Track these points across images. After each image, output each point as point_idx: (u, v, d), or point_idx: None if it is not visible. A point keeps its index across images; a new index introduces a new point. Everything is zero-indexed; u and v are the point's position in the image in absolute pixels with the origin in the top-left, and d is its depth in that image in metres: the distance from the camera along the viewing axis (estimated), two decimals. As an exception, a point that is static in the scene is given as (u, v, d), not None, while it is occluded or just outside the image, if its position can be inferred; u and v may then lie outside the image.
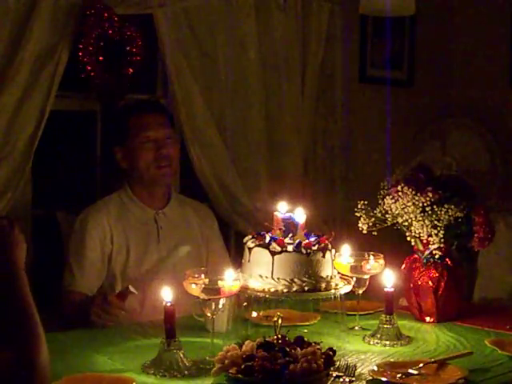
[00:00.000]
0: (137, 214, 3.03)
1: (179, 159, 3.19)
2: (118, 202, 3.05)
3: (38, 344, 1.63)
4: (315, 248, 2.21)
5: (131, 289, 2.52)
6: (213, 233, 3.18)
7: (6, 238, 1.78)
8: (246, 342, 2.14)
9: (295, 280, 2.18)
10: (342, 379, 2.09)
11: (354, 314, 2.60)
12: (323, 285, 2.22)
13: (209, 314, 2.23)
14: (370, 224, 2.65)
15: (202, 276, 2.23)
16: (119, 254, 2.96)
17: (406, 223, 2.62)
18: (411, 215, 2.59)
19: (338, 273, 2.35)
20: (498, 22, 3.51)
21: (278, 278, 2.18)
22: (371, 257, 2.57)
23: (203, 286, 2.19)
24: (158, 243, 3.02)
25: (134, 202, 3.04)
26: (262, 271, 2.20)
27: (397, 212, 2.61)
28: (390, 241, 2.71)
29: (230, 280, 2.20)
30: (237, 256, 2.56)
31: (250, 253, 2.24)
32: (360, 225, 2.65)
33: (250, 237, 2.29)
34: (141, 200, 3.05)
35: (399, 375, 2.11)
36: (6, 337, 1.62)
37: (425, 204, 2.58)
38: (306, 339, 2.19)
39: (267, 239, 2.23)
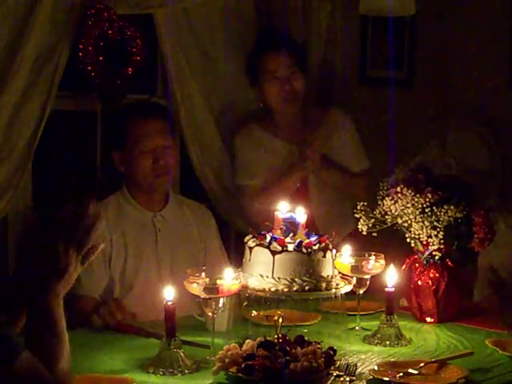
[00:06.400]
0: (135, 216, 3.02)
1: (178, 164, 3.18)
2: (116, 205, 3.04)
3: (61, 351, 1.69)
4: (316, 248, 2.21)
5: None
6: (211, 234, 3.17)
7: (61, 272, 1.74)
8: (247, 341, 2.15)
9: (296, 279, 2.18)
10: (342, 378, 2.09)
11: (355, 315, 2.60)
12: (324, 284, 2.21)
13: (209, 314, 2.24)
14: (370, 225, 2.64)
15: (203, 275, 2.24)
16: (118, 256, 2.95)
17: (406, 224, 2.61)
18: (410, 216, 2.59)
19: (339, 273, 2.35)
20: (498, 21, 3.51)
21: (279, 278, 2.18)
22: (372, 257, 2.57)
23: (204, 285, 2.19)
24: (156, 246, 3.01)
25: (131, 205, 3.03)
26: (262, 271, 2.20)
27: (396, 213, 2.61)
28: (390, 241, 2.71)
29: (230, 279, 2.20)
30: (237, 256, 2.56)
31: (250, 252, 2.24)
32: (360, 226, 2.65)
33: (251, 236, 2.29)
34: (139, 203, 3.03)
35: (400, 375, 2.11)
36: (32, 341, 1.66)
37: (424, 205, 2.57)
38: (306, 339, 2.19)
39: (268, 239, 2.23)
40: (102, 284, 2.92)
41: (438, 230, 2.57)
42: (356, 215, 2.67)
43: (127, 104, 3.34)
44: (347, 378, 2.10)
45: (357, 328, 2.58)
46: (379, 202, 2.66)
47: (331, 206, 3.48)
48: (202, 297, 2.22)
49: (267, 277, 2.19)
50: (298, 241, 2.21)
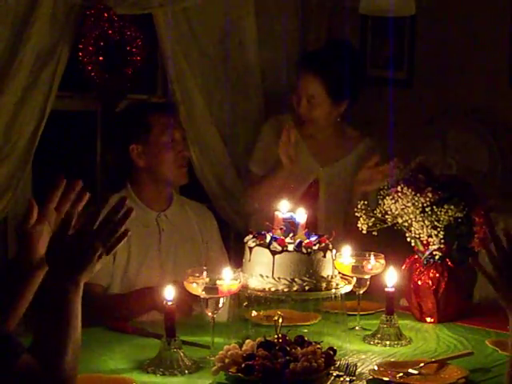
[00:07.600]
0: (139, 216, 3.00)
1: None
2: None
3: (64, 349, 1.63)
4: (316, 248, 2.21)
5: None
6: (212, 234, 3.18)
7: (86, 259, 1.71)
8: (247, 342, 2.15)
9: (296, 280, 2.17)
10: (342, 378, 2.09)
11: (355, 314, 2.60)
12: (324, 284, 2.21)
13: (209, 314, 2.24)
14: (370, 224, 2.65)
15: (204, 275, 2.24)
16: (121, 255, 2.95)
17: (406, 224, 2.62)
18: (411, 216, 2.59)
19: (339, 273, 2.34)
20: (498, 21, 3.51)
21: (279, 278, 2.18)
22: (372, 257, 2.57)
23: (204, 284, 2.20)
24: (159, 245, 3.02)
25: (136, 204, 3.02)
26: (262, 271, 2.20)
27: (397, 212, 2.61)
28: (390, 241, 2.71)
29: (230, 279, 2.20)
30: (237, 256, 2.56)
31: (250, 252, 2.24)
32: (360, 225, 2.65)
33: (251, 236, 2.29)
34: (143, 202, 3.04)
35: (400, 375, 2.11)
36: (37, 341, 1.64)
37: (424, 205, 2.57)
38: (306, 339, 2.19)
39: (268, 239, 2.23)
40: (108, 274, 2.91)
41: (439, 229, 2.57)
42: (356, 214, 2.67)
43: (139, 101, 3.35)
44: (347, 378, 2.10)
45: (357, 328, 2.58)
46: (379, 202, 2.66)
47: (336, 212, 3.44)
48: (202, 297, 2.22)
49: (267, 277, 2.19)
50: (297, 241, 2.21)
